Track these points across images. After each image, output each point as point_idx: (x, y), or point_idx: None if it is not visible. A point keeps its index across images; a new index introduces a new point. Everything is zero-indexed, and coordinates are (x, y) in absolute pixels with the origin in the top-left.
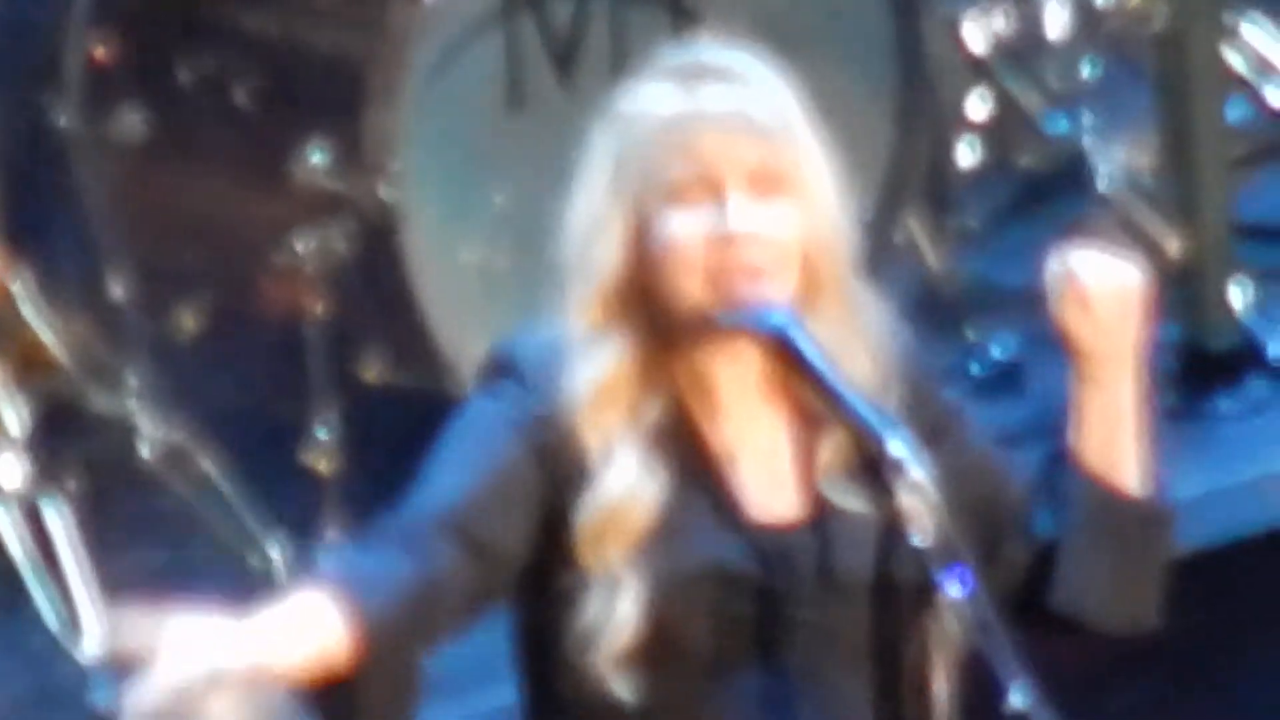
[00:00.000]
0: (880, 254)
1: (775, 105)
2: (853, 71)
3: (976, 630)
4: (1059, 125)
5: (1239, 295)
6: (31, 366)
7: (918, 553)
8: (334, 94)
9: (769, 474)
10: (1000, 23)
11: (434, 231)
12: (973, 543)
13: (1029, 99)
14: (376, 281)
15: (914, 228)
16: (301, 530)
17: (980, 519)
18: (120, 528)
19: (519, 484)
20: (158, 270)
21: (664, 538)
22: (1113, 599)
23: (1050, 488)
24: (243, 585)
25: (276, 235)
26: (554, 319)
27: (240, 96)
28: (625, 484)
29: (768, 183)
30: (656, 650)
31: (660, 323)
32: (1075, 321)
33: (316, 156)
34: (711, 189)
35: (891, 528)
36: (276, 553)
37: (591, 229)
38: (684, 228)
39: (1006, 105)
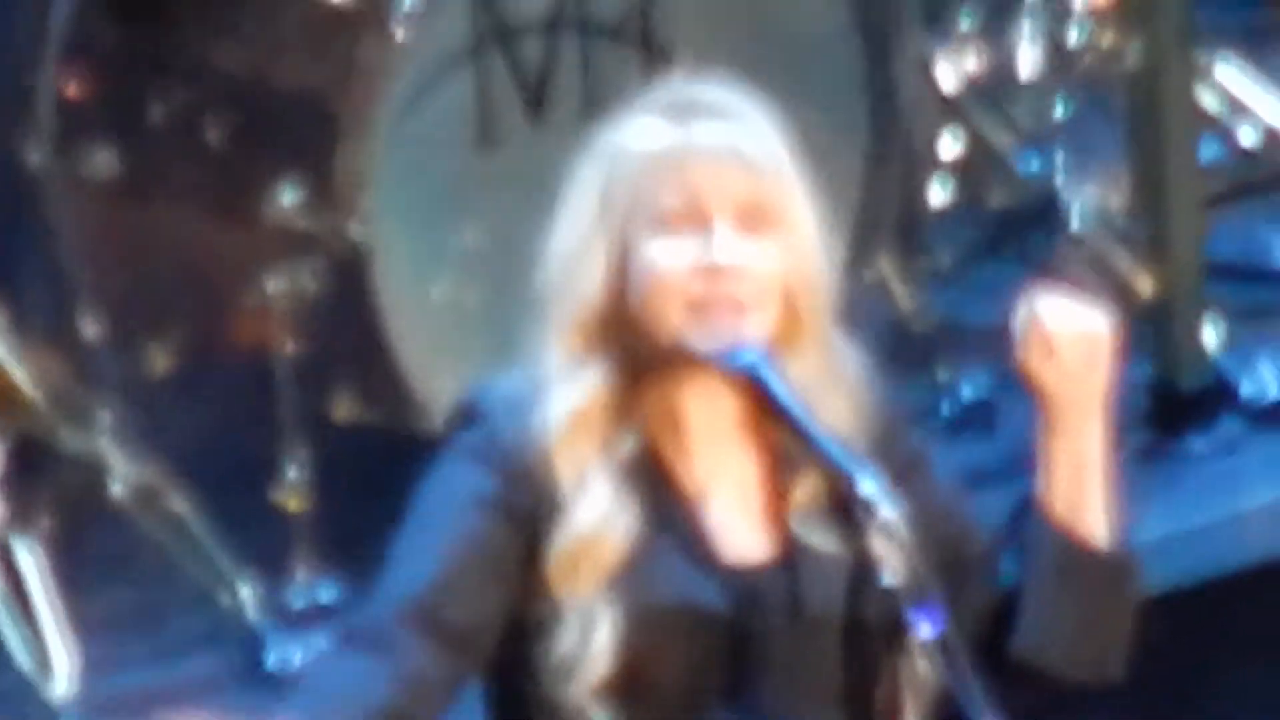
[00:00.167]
0: (852, 292)
1: (765, 142)
2: (824, 110)
3: (947, 670)
4: (1031, 164)
5: (1211, 334)
6: (2, 405)
7: (888, 592)
8: (305, 132)
9: (740, 512)
10: (972, 62)
11: (404, 269)
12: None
13: (1001, 138)
14: (347, 319)
15: (885, 266)
16: (272, 569)
17: (944, 563)
18: (91, 566)
19: (489, 558)
20: (129, 308)
21: (635, 572)
22: (1077, 649)
23: (1018, 534)
24: (213, 624)
25: (247, 273)
26: (525, 359)
27: (211, 135)
28: (598, 515)
29: (755, 218)
30: (629, 684)
31: (637, 354)
32: (1039, 367)
33: (287, 195)
34: (699, 220)
35: (862, 567)
36: (247, 591)
37: (575, 255)
38: (669, 256)
39: (978, 144)
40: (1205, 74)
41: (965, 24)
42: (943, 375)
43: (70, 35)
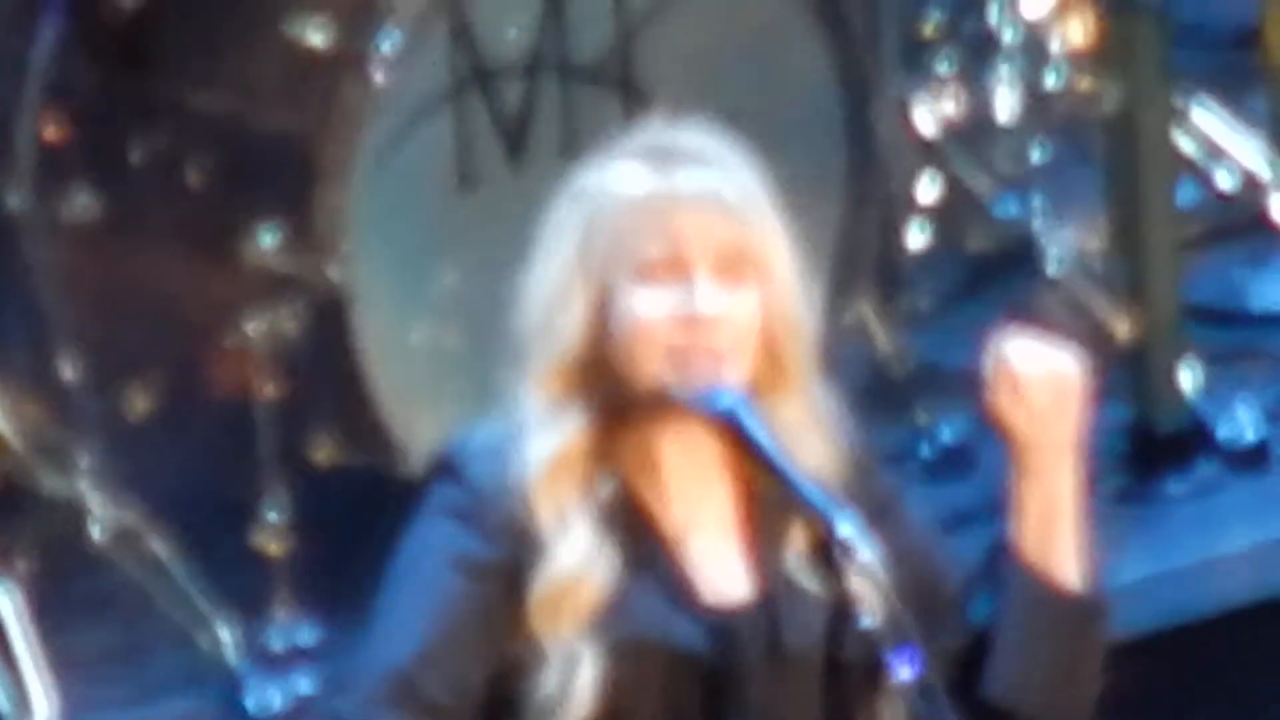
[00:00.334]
0: (831, 335)
1: (746, 188)
2: (803, 153)
3: (926, 713)
4: (1009, 208)
5: (1188, 377)
6: None
7: (867, 634)
8: (284, 174)
9: (720, 551)
10: (950, 106)
11: (384, 312)
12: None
13: (979, 182)
14: (326, 362)
15: (864, 309)
16: (251, 611)
17: (917, 604)
18: (71, 608)
19: (473, 622)
20: (108, 351)
21: (616, 613)
22: (1047, 693)
23: (992, 575)
24: (193, 666)
25: (227, 316)
26: (504, 403)
27: (191, 177)
28: (578, 558)
29: (736, 265)
30: None
31: (616, 398)
32: (1009, 409)
33: (267, 237)
34: (680, 269)
35: (841, 609)
36: (226, 633)
37: (555, 302)
38: (650, 306)
39: (956, 188)
40: (1182, 118)
41: (943, 68)
42: (921, 418)
43: (50, 78)
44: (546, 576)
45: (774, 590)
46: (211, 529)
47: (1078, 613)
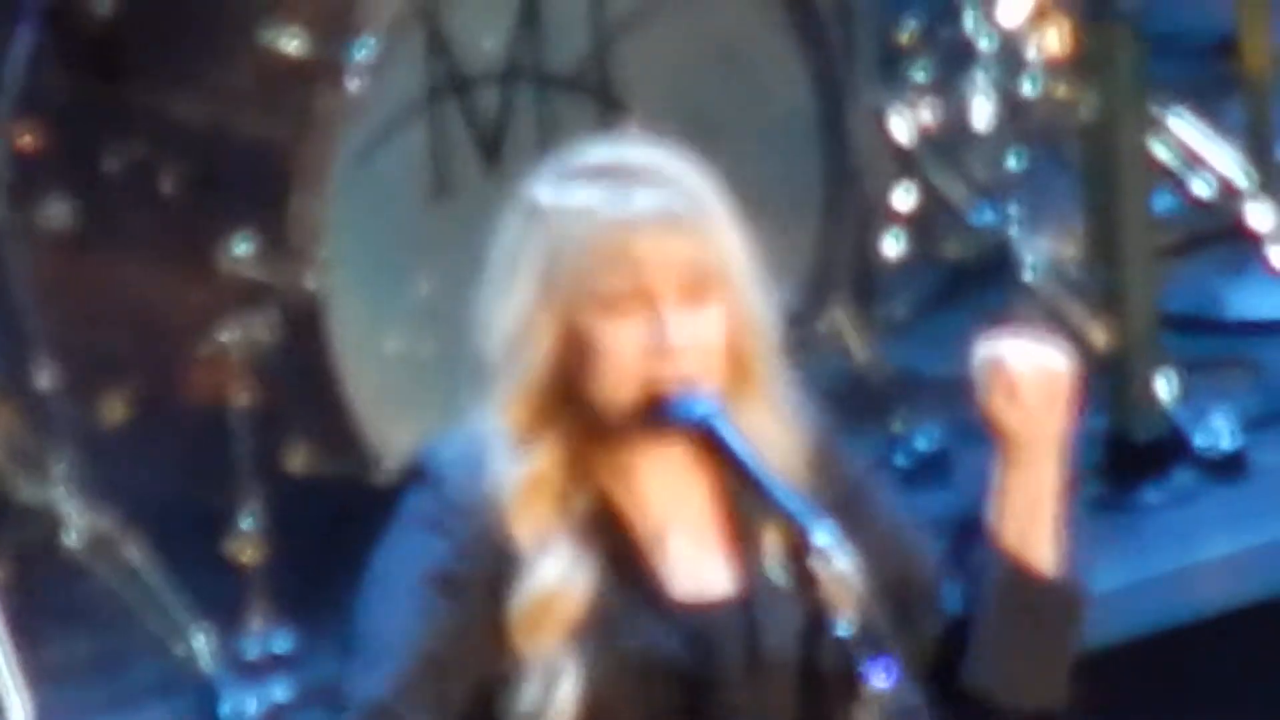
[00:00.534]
0: (805, 344)
1: (701, 203)
2: (779, 162)
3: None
4: (985, 216)
5: (1165, 386)
6: None
7: (842, 643)
8: (259, 182)
9: (698, 549)
10: (926, 114)
11: (359, 320)
12: (886, 621)
13: (955, 190)
14: (301, 370)
15: (840, 318)
16: (226, 619)
17: (891, 596)
18: (46, 616)
19: (453, 643)
20: (84, 359)
21: (596, 625)
22: (1023, 679)
23: (960, 561)
24: (168, 673)
25: (202, 324)
26: (478, 413)
27: (166, 185)
28: (558, 573)
29: (699, 285)
30: None
31: (587, 420)
32: (1003, 410)
33: (242, 245)
34: (645, 300)
35: (816, 617)
36: (201, 641)
37: (521, 334)
38: (619, 341)
39: (932, 196)
40: (1159, 126)
41: (919, 77)
42: (897, 426)
43: (25, 87)
44: (526, 591)
45: (753, 594)
46: (186, 537)
47: (1056, 598)
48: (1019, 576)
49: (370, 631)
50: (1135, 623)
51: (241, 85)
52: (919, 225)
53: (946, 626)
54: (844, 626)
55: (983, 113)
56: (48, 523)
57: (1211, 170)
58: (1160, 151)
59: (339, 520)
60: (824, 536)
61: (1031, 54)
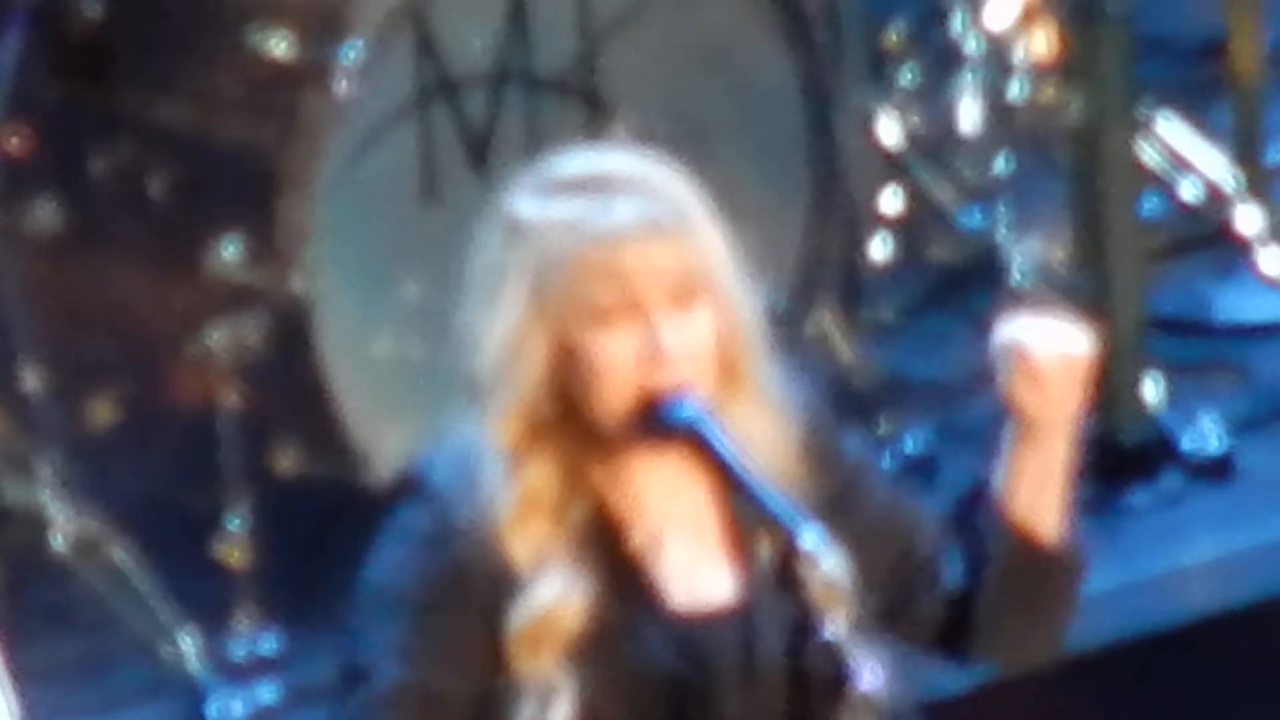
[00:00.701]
0: (793, 347)
1: (683, 208)
2: (766, 164)
3: None
4: (972, 219)
5: (1152, 389)
6: None
7: (829, 645)
8: (247, 186)
9: (696, 556)
10: (914, 117)
11: (347, 323)
12: (886, 603)
13: (942, 193)
14: (289, 373)
15: (827, 321)
16: (214, 620)
17: (892, 578)
18: (33, 618)
19: (447, 664)
20: (71, 361)
21: (592, 642)
22: (1023, 641)
23: (962, 528)
24: (155, 675)
25: (189, 327)
26: (469, 424)
27: (153, 188)
28: (555, 591)
29: (686, 293)
30: None
31: (582, 432)
32: (1025, 393)
33: (229, 248)
34: (635, 309)
35: (804, 620)
36: (188, 643)
37: (512, 351)
38: (613, 353)
39: (920, 199)
40: (1146, 129)
41: (907, 80)
42: (884, 429)
43: (11, 91)
44: (523, 611)
45: (751, 600)
46: (173, 539)
47: (1059, 566)
48: (1025, 546)
49: (367, 653)
50: (1122, 626)
51: (229, 88)
52: (906, 228)
53: (948, 594)
54: (831, 629)
55: (970, 116)
56: (35, 525)
57: (1199, 174)
58: (1148, 155)
59: (327, 522)
60: (811, 539)
61: (1019, 57)
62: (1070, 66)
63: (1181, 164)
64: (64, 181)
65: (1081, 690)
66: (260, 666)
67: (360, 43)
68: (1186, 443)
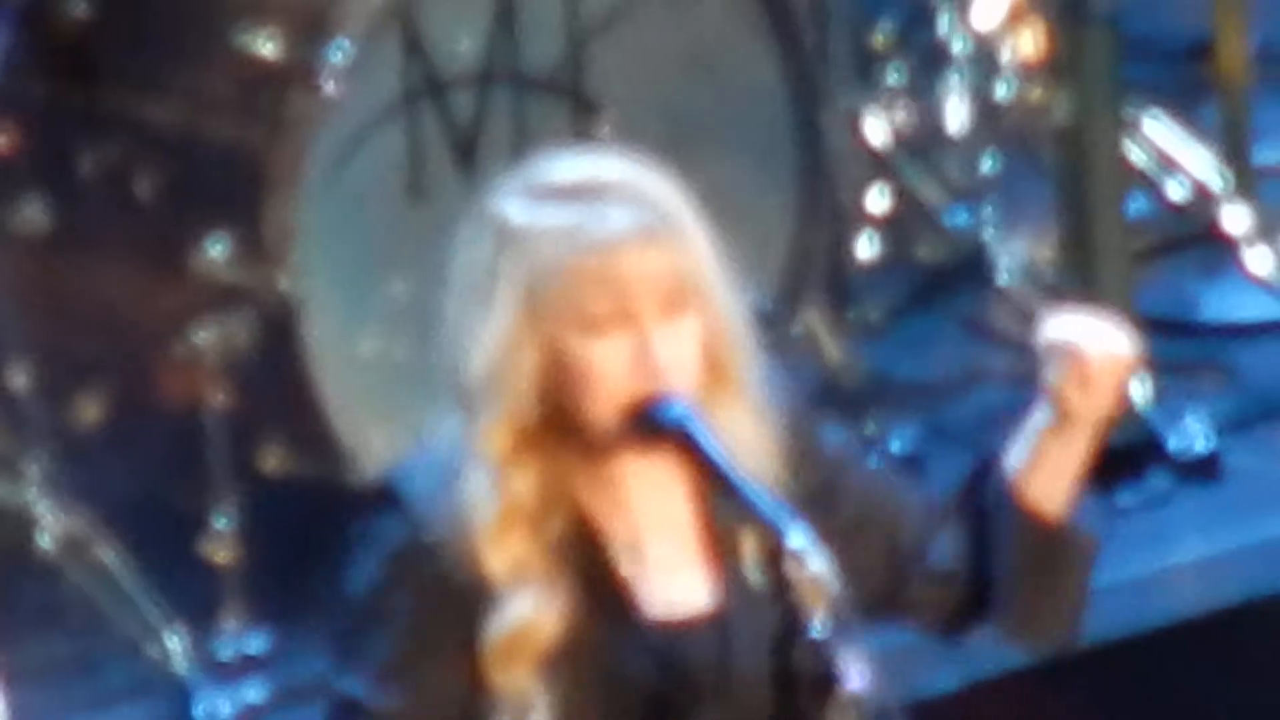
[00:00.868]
0: (779, 346)
1: (674, 214)
2: (753, 163)
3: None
4: (959, 219)
5: (1139, 388)
6: None
7: (817, 645)
8: (234, 185)
9: (677, 561)
10: (901, 116)
11: (334, 323)
12: (879, 590)
13: (929, 193)
14: (276, 373)
15: (813, 320)
16: (201, 620)
17: (883, 565)
18: (19, 617)
19: (422, 684)
20: (58, 360)
21: (568, 655)
22: (1038, 619)
23: (964, 509)
24: (142, 675)
25: (176, 326)
26: (449, 430)
27: (140, 188)
28: (531, 606)
29: (678, 300)
30: None
31: (567, 440)
32: (1072, 390)
33: (216, 248)
34: (629, 317)
35: (791, 620)
36: (175, 642)
37: (503, 360)
38: (606, 360)
39: (907, 199)
40: (1133, 129)
41: (894, 79)
42: (871, 428)
43: None
44: (499, 625)
45: (730, 605)
46: (161, 538)
47: (1074, 543)
48: (1039, 526)
49: (344, 665)
50: (1109, 626)
51: (216, 88)
52: (893, 228)
53: (944, 575)
54: (818, 629)
55: (957, 116)
56: (22, 524)
57: (1186, 173)
58: (1135, 154)
59: (313, 521)
60: (798, 539)
61: (1006, 57)
62: (1057, 66)
63: (1169, 164)
64: (51, 181)
65: (1068, 690)
66: (247, 665)
67: (347, 42)
68: (1173, 442)
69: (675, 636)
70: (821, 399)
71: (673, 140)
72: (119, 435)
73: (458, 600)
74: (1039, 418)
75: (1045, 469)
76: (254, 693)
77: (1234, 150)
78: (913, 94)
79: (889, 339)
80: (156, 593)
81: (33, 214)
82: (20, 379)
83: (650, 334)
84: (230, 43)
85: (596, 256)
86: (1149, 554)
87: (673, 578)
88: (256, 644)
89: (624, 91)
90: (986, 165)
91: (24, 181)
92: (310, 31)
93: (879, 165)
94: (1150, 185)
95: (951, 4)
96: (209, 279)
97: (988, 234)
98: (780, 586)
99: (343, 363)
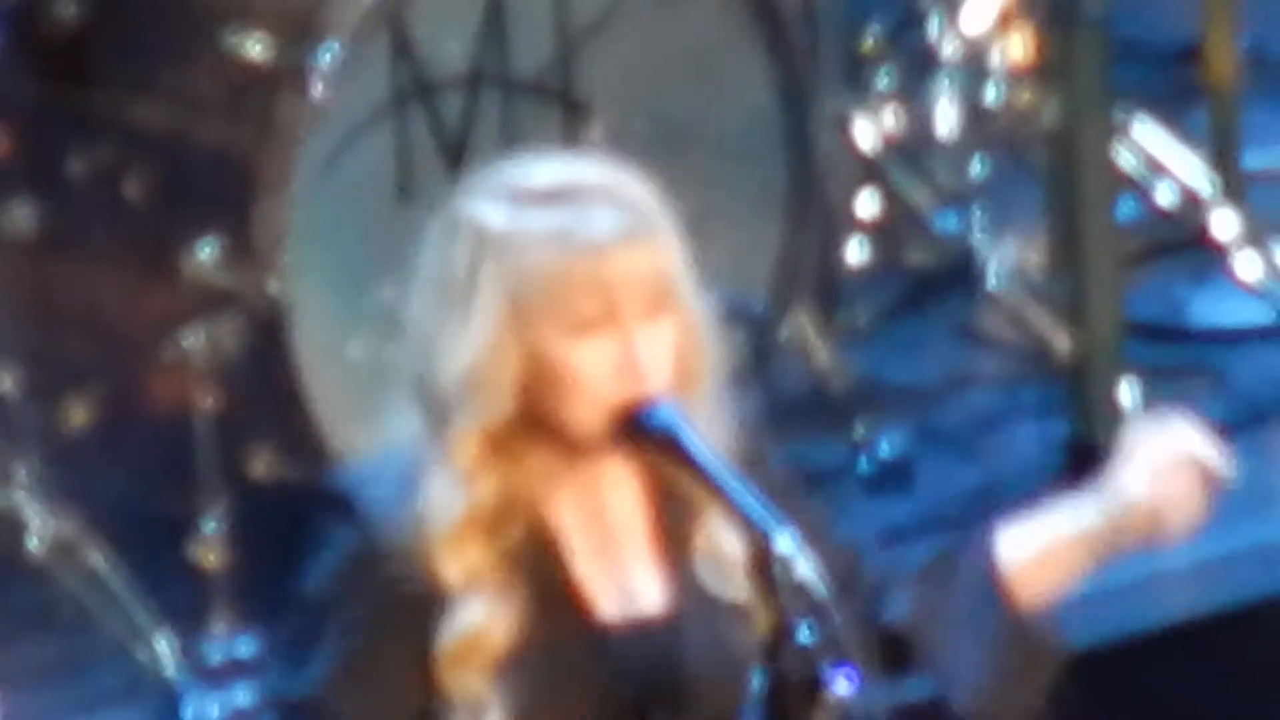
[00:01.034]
0: (768, 351)
1: (654, 216)
2: (743, 168)
3: None
4: (949, 223)
5: (1128, 394)
6: None
7: (804, 650)
8: (224, 188)
9: (633, 564)
10: (890, 121)
11: (323, 326)
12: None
13: (919, 197)
14: (265, 376)
15: (803, 324)
16: (189, 623)
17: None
18: (8, 620)
19: (374, 689)
20: (47, 363)
21: (521, 660)
22: (1005, 701)
23: (935, 580)
24: (131, 678)
25: (166, 329)
26: (413, 433)
27: (130, 191)
28: (484, 611)
29: (660, 301)
30: None
31: (537, 446)
32: (1130, 480)
33: (206, 251)
34: (614, 320)
35: (778, 624)
36: (164, 646)
37: (485, 365)
38: (589, 363)
39: (896, 203)
40: (1123, 134)
41: (883, 83)
42: (860, 433)
43: None
44: (452, 630)
45: (684, 604)
46: (149, 541)
47: (1045, 649)
48: (1013, 616)
49: (296, 669)
50: (1098, 631)
51: (206, 91)
52: (882, 232)
53: (891, 633)
54: (805, 634)
55: (947, 120)
56: (10, 528)
57: (1176, 178)
58: (1124, 159)
59: (302, 525)
60: (786, 543)
61: (995, 61)
62: (1047, 70)
63: (1158, 168)
64: (40, 183)
65: (1061, 694)
66: (236, 669)
67: (336, 45)
68: None
69: (629, 639)
70: (811, 403)
71: (662, 144)
72: (108, 439)
73: (410, 605)
74: (1079, 516)
75: (1053, 565)
76: (243, 696)
77: (1223, 155)
78: (902, 98)
79: (878, 343)
80: (145, 596)
81: (21, 216)
82: (8, 382)
83: (634, 335)
84: (219, 45)
85: (584, 259)
86: (1137, 560)
87: (630, 580)
88: (245, 647)
89: (613, 95)
90: (976, 169)
91: (13, 183)
92: (299, 34)
93: (868, 169)
94: (1139, 190)
95: (941, 8)
96: (198, 282)
97: (977, 238)
98: (767, 591)
99: (332, 365)
